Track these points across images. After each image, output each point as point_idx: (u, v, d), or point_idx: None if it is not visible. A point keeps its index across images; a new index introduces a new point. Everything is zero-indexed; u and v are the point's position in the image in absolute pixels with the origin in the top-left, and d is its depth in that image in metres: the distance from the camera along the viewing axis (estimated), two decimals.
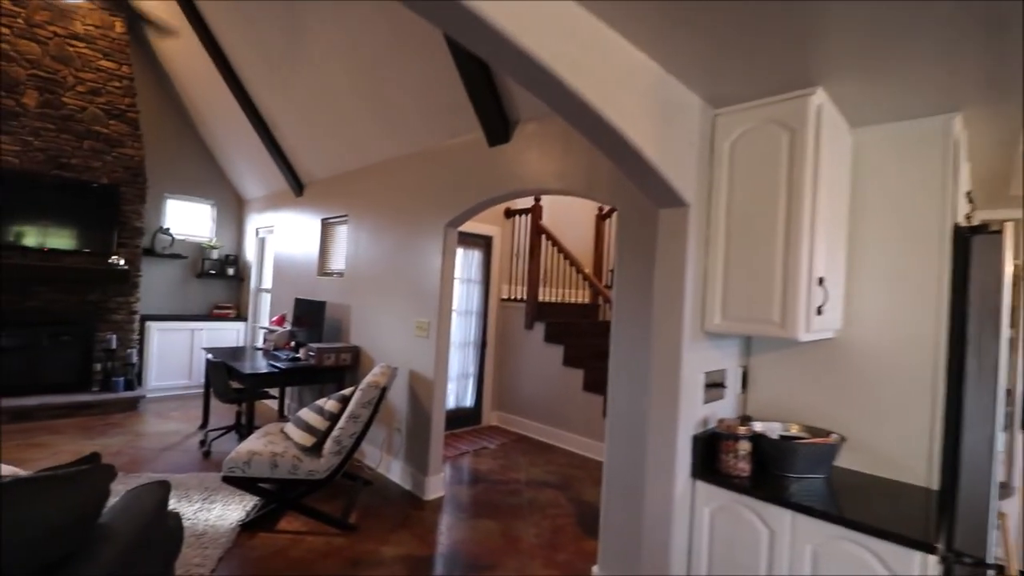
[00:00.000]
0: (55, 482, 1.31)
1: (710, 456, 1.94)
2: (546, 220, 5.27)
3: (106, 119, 5.22)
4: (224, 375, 3.89)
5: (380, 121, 3.78)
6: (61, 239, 4.93)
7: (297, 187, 5.25)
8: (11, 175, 4.68)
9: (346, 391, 3.13)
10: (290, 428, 3.09)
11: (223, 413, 5.01)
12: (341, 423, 2.89)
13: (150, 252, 5.75)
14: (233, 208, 6.66)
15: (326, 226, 4.90)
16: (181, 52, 5.26)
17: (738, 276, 1.88)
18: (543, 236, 5.13)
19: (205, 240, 6.38)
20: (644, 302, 2.33)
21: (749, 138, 1.87)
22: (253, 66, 4.43)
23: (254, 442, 2.93)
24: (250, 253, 6.47)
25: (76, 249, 5.00)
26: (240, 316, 6.45)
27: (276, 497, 2.93)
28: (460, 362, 5.07)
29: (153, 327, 5.63)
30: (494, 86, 2.88)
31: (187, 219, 6.33)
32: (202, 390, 5.88)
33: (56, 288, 4.96)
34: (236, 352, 4.62)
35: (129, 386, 5.20)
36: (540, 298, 5.31)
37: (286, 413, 5.14)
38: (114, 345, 5.17)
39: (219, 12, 4.24)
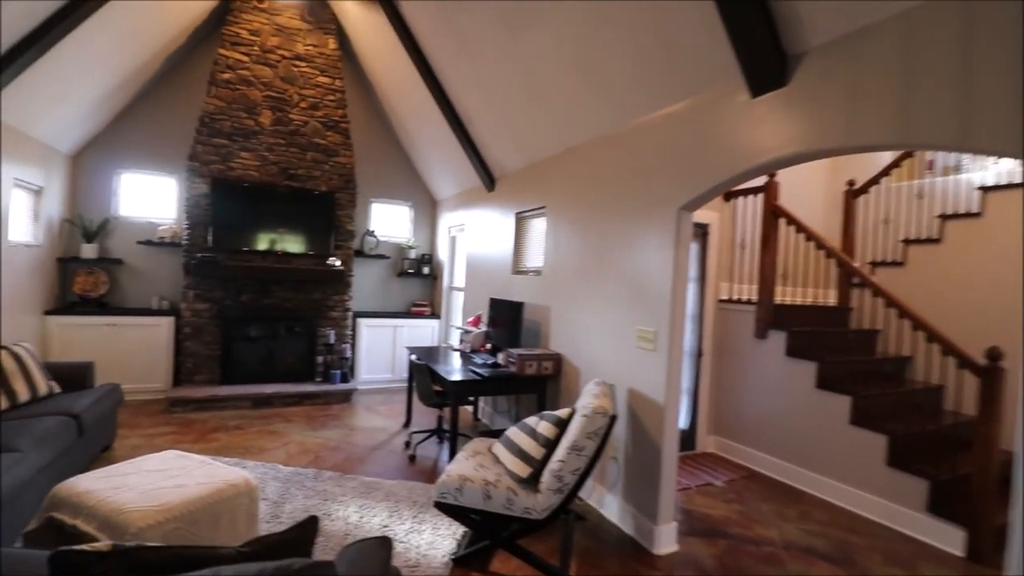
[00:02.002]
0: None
1: None
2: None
3: (324, 131, 5.61)
4: (427, 378, 3.73)
5: (588, 93, 3.20)
6: (291, 243, 5.43)
7: (489, 181, 5.01)
8: (253, 187, 5.27)
9: (560, 413, 2.62)
10: (500, 451, 2.70)
11: (425, 412, 5.01)
12: (561, 455, 2.37)
13: (359, 253, 6.11)
14: (427, 208, 6.82)
15: (520, 220, 4.54)
16: (382, 60, 5.40)
17: None
18: (781, 220, 4.05)
19: (404, 241, 6.63)
20: None
21: None
22: (449, 60, 4.23)
23: (463, 464, 2.59)
24: (442, 252, 6.54)
25: (303, 252, 5.47)
26: (434, 314, 6.56)
27: (487, 532, 2.54)
28: None
29: (362, 323, 5.96)
30: (767, 8, 2.06)
31: (388, 221, 6.64)
32: (403, 384, 6.23)
33: (287, 287, 5.48)
34: (433, 352, 4.53)
35: (344, 379, 5.54)
36: (777, 299, 4.25)
37: (480, 416, 4.95)
38: (332, 340, 5.55)
39: (418, 10, 4.12)
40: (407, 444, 4.11)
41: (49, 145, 4.60)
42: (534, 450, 2.54)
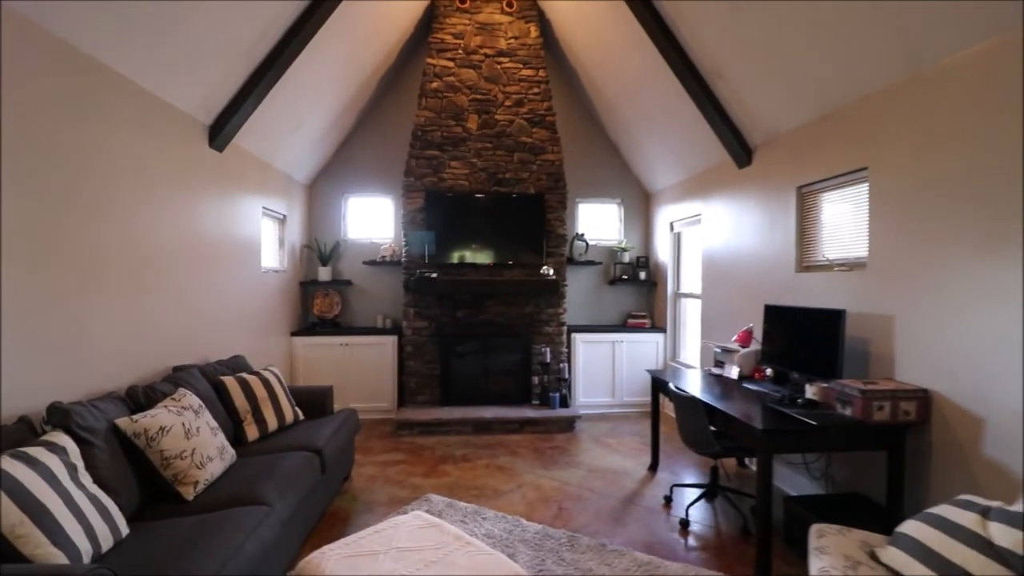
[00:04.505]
0: None
1: None
2: None
3: (529, 128, 5.10)
4: (702, 418, 2.75)
5: None
6: (503, 253, 4.99)
7: (742, 153, 3.86)
8: (462, 197, 4.96)
9: None
10: (905, 563, 1.57)
11: (673, 452, 4.02)
12: None
13: (569, 260, 5.44)
14: (639, 204, 5.88)
15: (806, 196, 3.30)
16: (589, 38, 4.65)
17: None
18: None
19: (615, 243, 5.78)
20: None
21: None
22: (697, 12, 3.25)
23: None
24: (662, 252, 5.52)
25: (514, 262, 4.99)
26: (655, 326, 5.56)
27: None
28: None
29: (578, 339, 5.25)
30: None
31: (596, 222, 5.87)
32: (626, 411, 5.35)
33: (500, 301, 5.04)
34: (679, 376, 3.53)
35: (564, 402, 4.86)
36: None
37: (747, 463, 3.77)
38: (548, 358, 4.93)
39: None
40: (667, 500, 3.16)
41: (289, 175, 4.86)
42: (987, 570, 1.38)
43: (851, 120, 2.86)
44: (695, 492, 3.21)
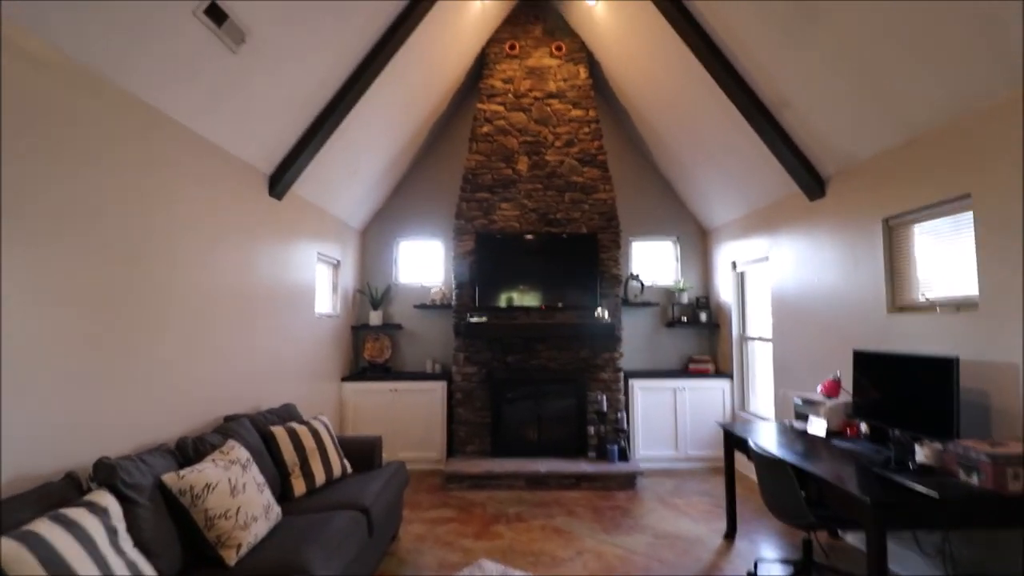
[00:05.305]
0: None
1: None
2: None
3: (580, 168, 5.02)
4: (792, 484, 2.40)
5: None
6: (555, 295, 4.83)
7: (814, 185, 3.58)
8: (513, 237, 4.88)
9: None
10: None
11: (752, 517, 3.60)
12: None
13: (624, 302, 5.19)
14: (696, 241, 5.61)
15: (895, 228, 2.97)
16: (640, 75, 4.57)
17: None
18: None
19: (672, 283, 5.50)
20: None
21: None
22: (758, 40, 3.10)
23: None
24: (724, 293, 5.18)
25: (566, 305, 4.81)
26: (719, 371, 5.16)
27: None
28: None
29: (635, 385, 4.93)
30: None
31: (651, 261, 5.63)
32: (691, 465, 4.84)
33: (552, 345, 4.83)
34: (752, 431, 3.17)
35: (623, 455, 4.51)
36: None
37: (842, 534, 3.29)
38: (604, 407, 4.63)
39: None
40: None
41: (343, 221, 4.95)
42: None
43: (946, 143, 2.56)
44: (784, 568, 2.79)
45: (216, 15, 2.31)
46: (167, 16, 2.14)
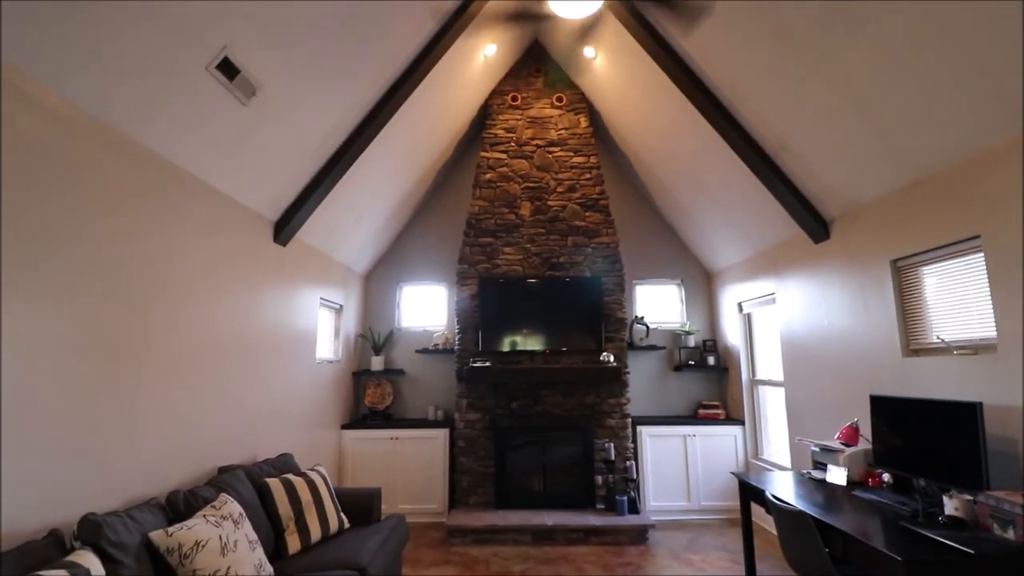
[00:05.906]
0: None
1: None
2: None
3: (583, 212, 5.07)
4: (815, 539, 2.26)
5: None
6: (557, 339, 4.76)
7: (818, 228, 3.58)
8: (516, 281, 4.86)
9: None
10: None
11: (773, 569, 3.39)
12: None
13: (629, 345, 5.12)
14: (700, 284, 5.58)
15: (902, 270, 2.94)
16: (639, 123, 4.69)
17: None
18: None
19: (677, 326, 5.44)
20: None
21: None
22: (756, 89, 3.19)
23: None
24: (731, 335, 5.11)
25: (570, 348, 4.74)
26: (730, 417, 5.01)
27: None
28: None
29: (644, 432, 4.79)
30: None
31: (656, 304, 5.59)
32: (704, 518, 4.60)
33: (557, 390, 4.73)
34: (767, 481, 3.03)
35: (633, 507, 4.31)
36: None
37: None
38: (612, 455, 4.47)
39: (707, 40, 3.27)
40: None
41: (347, 266, 4.97)
42: None
43: (953, 184, 2.57)
44: None
45: (228, 70, 2.39)
46: (181, 71, 2.22)
